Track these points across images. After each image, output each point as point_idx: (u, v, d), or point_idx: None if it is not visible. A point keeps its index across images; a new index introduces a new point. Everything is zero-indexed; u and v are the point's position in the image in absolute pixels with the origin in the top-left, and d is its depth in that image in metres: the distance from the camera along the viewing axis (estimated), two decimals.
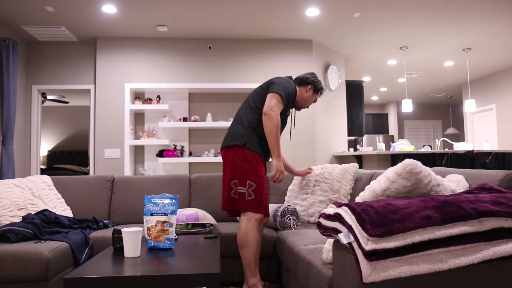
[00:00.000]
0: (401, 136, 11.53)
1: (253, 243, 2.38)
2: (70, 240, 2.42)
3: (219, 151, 5.40)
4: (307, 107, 2.72)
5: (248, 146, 2.42)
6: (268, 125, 2.40)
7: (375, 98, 10.68)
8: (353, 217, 1.26)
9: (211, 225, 2.77)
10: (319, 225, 1.45)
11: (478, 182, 1.73)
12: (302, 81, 2.66)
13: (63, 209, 2.98)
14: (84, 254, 2.49)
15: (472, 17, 4.99)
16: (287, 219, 2.78)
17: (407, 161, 1.41)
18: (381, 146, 6.15)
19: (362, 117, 6.89)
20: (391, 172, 1.46)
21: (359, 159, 5.52)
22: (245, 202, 2.39)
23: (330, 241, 1.64)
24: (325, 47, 6.01)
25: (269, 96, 2.45)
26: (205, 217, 2.77)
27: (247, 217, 2.40)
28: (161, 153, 5.17)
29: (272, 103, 2.41)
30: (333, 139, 6.03)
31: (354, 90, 6.88)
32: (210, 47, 5.51)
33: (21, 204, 2.59)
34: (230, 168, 2.43)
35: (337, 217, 1.34)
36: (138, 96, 5.49)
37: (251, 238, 2.38)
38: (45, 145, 9.21)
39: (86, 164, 8.89)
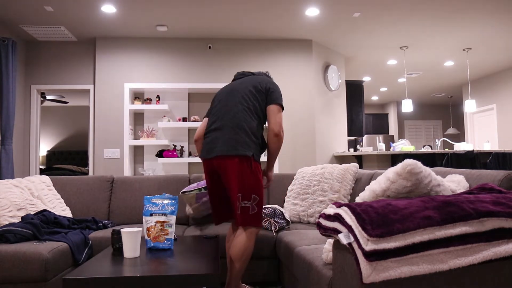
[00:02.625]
0: (401, 136, 11.53)
1: (249, 257, 2.28)
2: (70, 240, 2.41)
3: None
4: None
5: (254, 158, 2.24)
6: (278, 145, 2.34)
7: (375, 98, 10.67)
8: (353, 217, 1.26)
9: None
10: (319, 226, 1.44)
11: (478, 182, 1.73)
12: None
13: (62, 210, 2.98)
14: (84, 255, 2.48)
15: (472, 17, 4.99)
16: (265, 222, 2.77)
17: (407, 161, 1.41)
18: (381, 146, 6.14)
19: (362, 117, 6.88)
20: (391, 172, 1.45)
21: (359, 159, 5.52)
22: (249, 217, 2.22)
23: (330, 241, 1.63)
24: (325, 47, 6.01)
25: (276, 110, 2.33)
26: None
27: (249, 231, 2.24)
28: (160, 153, 5.16)
29: (281, 121, 2.32)
30: (333, 139, 6.03)
31: (354, 90, 6.88)
32: (209, 47, 5.50)
33: (20, 204, 2.59)
34: (238, 180, 2.19)
35: (337, 218, 1.34)
36: (137, 96, 5.49)
37: (249, 253, 2.27)
38: (44, 145, 9.20)
39: (86, 164, 8.88)
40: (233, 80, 2.60)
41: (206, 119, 2.52)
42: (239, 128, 2.26)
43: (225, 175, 2.24)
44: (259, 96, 2.36)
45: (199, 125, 5.15)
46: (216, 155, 2.24)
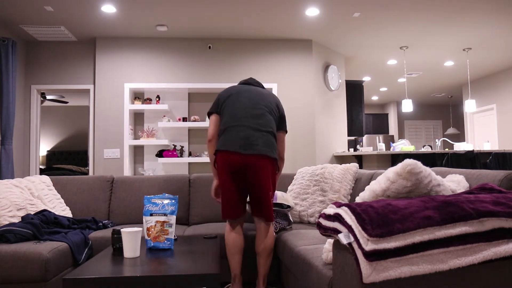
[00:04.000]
0: (401, 136, 11.52)
1: None
2: (70, 240, 2.41)
3: None
4: None
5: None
6: (282, 167, 2.71)
7: (375, 98, 10.67)
8: (353, 217, 1.26)
9: (289, 206, 2.78)
10: (319, 226, 1.44)
11: (478, 182, 1.72)
12: None
13: (62, 209, 2.98)
14: (84, 255, 2.48)
15: (472, 17, 4.99)
16: None
17: (407, 161, 1.41)
18: (381, 146, 6.14)
19: (362, 117, 6.88)
20: (391, 172, 1.45)
21: (359, 159, 5.52)
22: (273, 211, 2.54)
23: (330, 241, 1.63)
24: (325, 47, 6.01)
25: (283, 138, 2.65)
26: (284, 197, 2.79)
27: (270, 224, 2.50)
28: (160, 153, 5.16)
29: (285, 148, 2.67)
30: (333, 139, 6.03)
31: (354, 90, 6.88)
32: (209, 47, 5.50)
33: (20, 204, 2.58)
34: (271, 180, 2.45)
35: (337, 217, 1.34)
36: (137, 96, 5.49)
37: None
38: (44, 145, 9.20)
39: (86, 164, 8.88)
40: (244, 83, 2.66)
41: (215, 116, 2.56)
42: (272, 134, 2.48)
43: (259, 173, 2.36)
44: (277, 115, 2.60)
45: (198, 125, 5.16)
46: (258, 153, 2.36)
